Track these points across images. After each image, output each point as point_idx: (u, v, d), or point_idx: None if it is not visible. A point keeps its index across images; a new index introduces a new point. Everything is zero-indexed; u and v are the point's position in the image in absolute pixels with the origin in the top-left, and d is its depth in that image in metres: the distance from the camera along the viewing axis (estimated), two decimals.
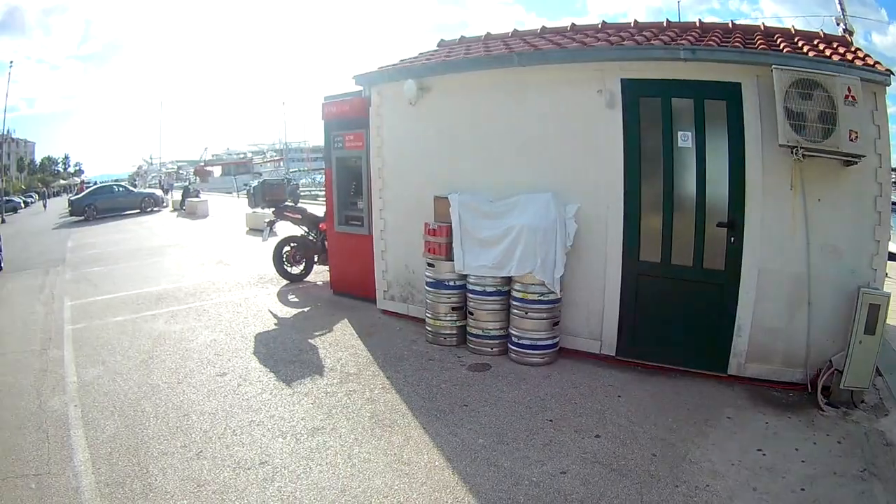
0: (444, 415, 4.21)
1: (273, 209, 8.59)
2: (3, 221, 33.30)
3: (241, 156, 74.05)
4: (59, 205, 45.07)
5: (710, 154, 4.40)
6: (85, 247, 16.65)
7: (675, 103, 4.53)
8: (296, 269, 8.39)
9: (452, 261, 5.27)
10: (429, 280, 5.46)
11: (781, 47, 4.33)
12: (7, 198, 43.64)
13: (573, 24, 5.96)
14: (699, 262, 4.58)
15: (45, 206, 49.80)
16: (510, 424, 4.04)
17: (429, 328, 5.53)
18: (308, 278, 8.61)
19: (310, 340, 5.97)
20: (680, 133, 4.46)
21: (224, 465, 3.88)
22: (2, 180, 45.84)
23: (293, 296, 7.86)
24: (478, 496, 3.28)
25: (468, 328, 5.30)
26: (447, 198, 5.35)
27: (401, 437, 3.96)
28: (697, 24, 5.28)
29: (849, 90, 3.65)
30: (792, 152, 3.85)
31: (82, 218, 26.12)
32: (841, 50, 4.31)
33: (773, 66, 3.93)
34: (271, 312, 7.11)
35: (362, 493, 3.38)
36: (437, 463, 3.62)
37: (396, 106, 6.07)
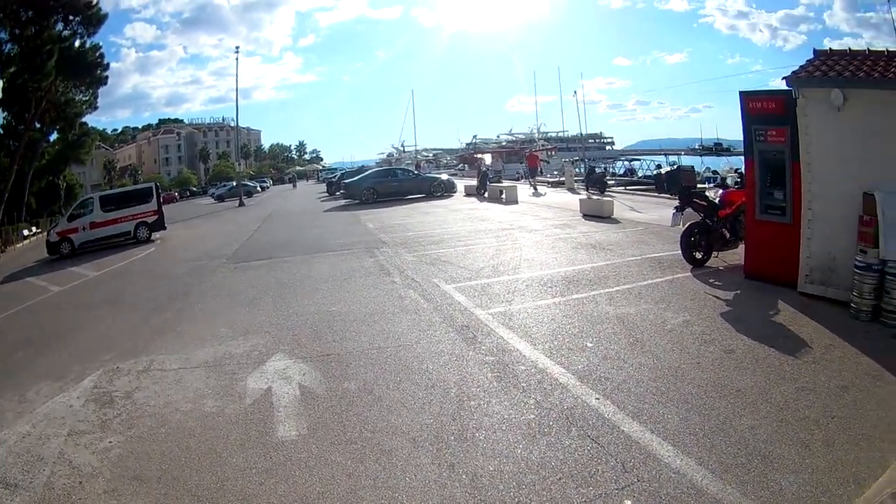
0: None
1: (680, 195, 9.29)
2: (242, 205, 35.90)
3: (498, 144, 71.06)
4: (309, 189, 50.51)
5: None
6: (394, 228, 15.97)
7: None
8: (699, 255, 8.97)
9: (877, 248, 6.20)
10: (859, 264, 6.36)
11: None
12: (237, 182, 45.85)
13: None
14: None
15: (294, 185, 58.91)
16: None
17: (853, 305, 6.45)
18: (707, 264, 8.92)
19: (772, 318, 6.58)
20: None
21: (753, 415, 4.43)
22: (239, 164, 49.84)
23: (712, 279, 8.25)
24: None
25: (882, 304, 6.20)
26: (873, 194, 6.28)
27: (870, 386, 4.80)
28: None
29: None
30: None
31: (356, 202, 25.18)
32: None
33: None
34: (709, 294, 7.56)
35: (863, 420, 4.27)
36: None
37: (820, 108, 6.99)
